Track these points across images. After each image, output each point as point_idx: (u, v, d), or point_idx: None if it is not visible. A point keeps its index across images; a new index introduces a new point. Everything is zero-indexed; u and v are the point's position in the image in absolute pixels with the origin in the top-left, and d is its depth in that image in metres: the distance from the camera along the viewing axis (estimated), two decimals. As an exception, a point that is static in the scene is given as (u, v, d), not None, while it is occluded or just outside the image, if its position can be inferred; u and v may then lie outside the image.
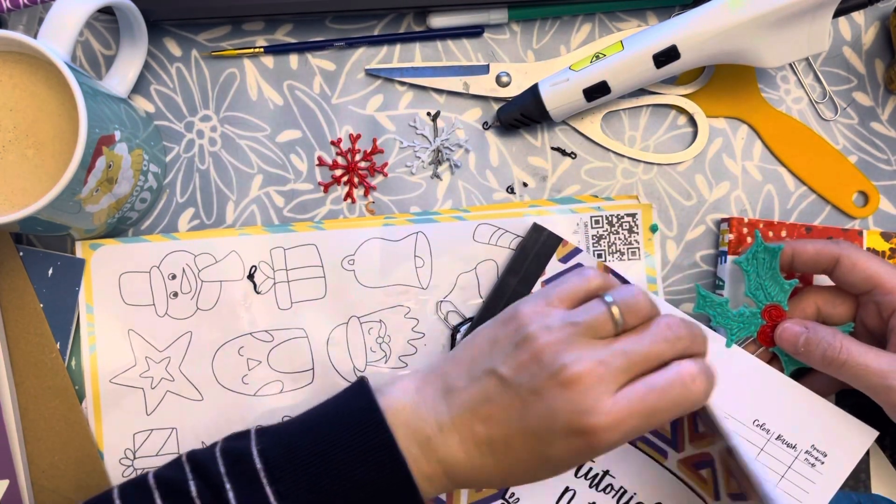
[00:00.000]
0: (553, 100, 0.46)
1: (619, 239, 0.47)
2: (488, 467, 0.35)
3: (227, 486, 0.33)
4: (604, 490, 0.41)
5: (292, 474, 0.34)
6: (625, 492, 0.41)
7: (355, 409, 0.35)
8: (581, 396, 0.32)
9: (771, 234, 0.46)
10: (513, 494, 0.42)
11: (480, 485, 0.36)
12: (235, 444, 0.35)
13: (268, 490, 0.33)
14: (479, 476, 0.35)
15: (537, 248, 0.45)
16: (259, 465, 0.34)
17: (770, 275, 0.42)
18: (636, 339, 0.34)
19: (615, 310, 0.34)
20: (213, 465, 0.34)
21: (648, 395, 0.33)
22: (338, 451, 0.34)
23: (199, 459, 0.35)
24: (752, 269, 0.42)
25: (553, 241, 0.45)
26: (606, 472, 0.42)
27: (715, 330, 0.43)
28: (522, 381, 0.34)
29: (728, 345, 0.42)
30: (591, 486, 0.42)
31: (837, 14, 0.43)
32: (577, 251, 0.44)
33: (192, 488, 0.34)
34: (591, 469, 0.42)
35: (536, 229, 0.45)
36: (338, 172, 0.48)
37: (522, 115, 0.47)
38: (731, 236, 0.46)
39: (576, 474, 0.42)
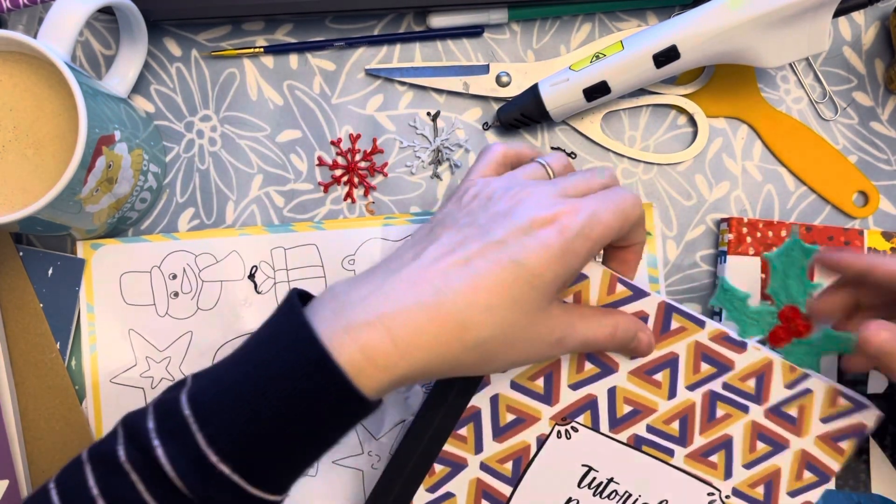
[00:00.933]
0: (553, 100, 0.46)
1: (619, 239, 0.47)
2: (447, 305, 0.31)
3: (156, 442, 0.30)
4: (608, 496, 0.41)
5: (220, 413, 0.30)
6: (629, 495, 0.41)
7: (282, 323, 0.32)
8: (538, 199, 0.33)
9: (770, 234, 0.46)
10: None
11: (439, 344, 0.31)
12: (168, 395, 0.32)
13: (198, 437, 0.30)
14: (434, 322, 0.30)
15: None
16: (187, 412, 0.30)
17: (797, 275, 0.41)
18: (567, 178, 0.36)
19: (546, 166, 0.37)
20: (143, 422, 0.31)
21: (602, 195, 0.34)
22: (263, 372, 0.30)
23: (131, 420, 0.32)
24: (781, 266, 0.41)
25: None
26: (611, 480, 0.41)
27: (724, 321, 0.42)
28: (478, 215, 0.33)
29: (742, 337, 0.40)
30: (595, 495, 0.41)
31: (837, 14, 0.43)
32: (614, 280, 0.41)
33: (121, 453, 0.31)
34: (594, 478, 0.41)
35: None
36: (338, 172, 0.48)
37: (522, 115, 0.47)
38: (731, 236, 0.46)
39: (579, 484, 0.41)
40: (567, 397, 0.40)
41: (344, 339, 0.30)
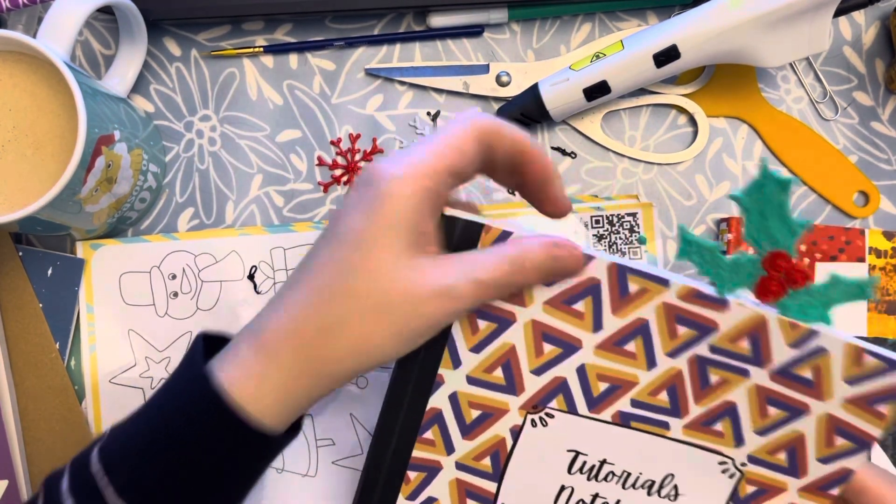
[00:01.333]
0: (553, 99, 0.46)
1: (620, 238, 0.47)
2: (291, 296, 0.30)
3: (68, 502, 0.30)
4: (605, 479, 0.39)
5: (128, 463, 0.30)
6: (628, 475, 0.39)
7: (182, 363, 0.32)
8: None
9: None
10: None
11: (297, 335, 0.30)
12: (83, 451, 0.32)
13: (107, 492, 0.29)
14: (286, 316, 0.30)
15: (454, 242, 0.36)
16: (97, 468, 0.30)
17: (777, 214, 0.33)
18: None
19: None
20: (59, 483, 0.31)
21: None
22: (163, 413, 0.30)
23: (49, 482, 0.32)
24: (755, 206, 0.33)
25: (472, 230, 0.36)
26: (604, 462, 0.39)
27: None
28: None
29: (720, 294, 0.35)
30: (590, 479, 0.39)
31: (837, 14, 0.43)
32: (505, 234, 0.36)
33: None
34: (584, 462, 0.39)
35: (448, 222, 0.35)
36: (338, 172, 0.48)
37: (522, 114, 0.47)
38: (731, 236, 0.46)
39: (569, 470, 0.40)
40: (532, 384, 0.37)
41: (228, 359, 0.30)
